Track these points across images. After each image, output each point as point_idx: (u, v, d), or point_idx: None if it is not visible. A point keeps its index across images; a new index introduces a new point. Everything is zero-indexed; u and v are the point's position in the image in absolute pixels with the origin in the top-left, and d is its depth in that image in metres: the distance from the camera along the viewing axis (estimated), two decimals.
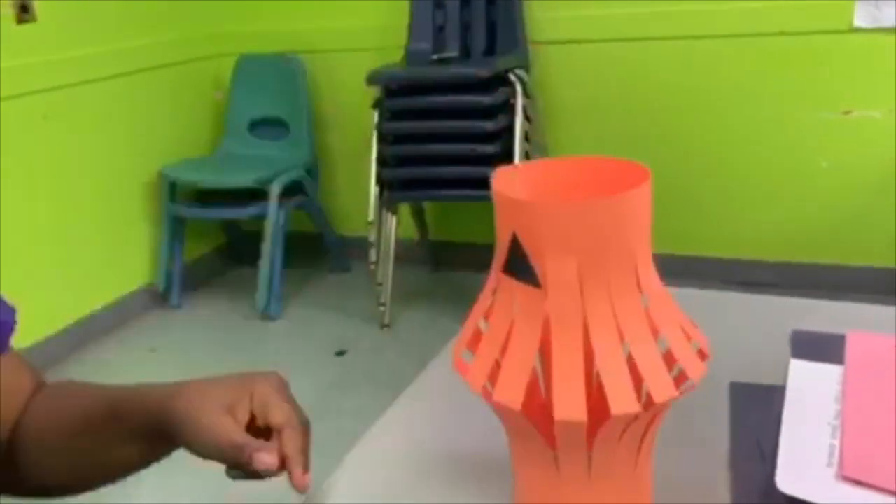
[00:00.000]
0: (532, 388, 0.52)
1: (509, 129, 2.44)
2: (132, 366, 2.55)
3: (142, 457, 0.62)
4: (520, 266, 0.49)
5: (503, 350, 0.50)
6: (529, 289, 0.49)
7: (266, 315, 2.75)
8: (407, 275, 2.89)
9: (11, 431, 0.64)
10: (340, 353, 2.52)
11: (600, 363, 0.48)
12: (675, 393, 0.49)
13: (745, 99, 2.60)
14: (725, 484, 0.59)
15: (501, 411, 0.52)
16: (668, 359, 0.51)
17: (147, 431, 0.59)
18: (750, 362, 0.75)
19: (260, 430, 0.57)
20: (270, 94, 2.97)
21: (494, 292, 0.52)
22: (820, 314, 0.83)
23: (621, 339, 0.48)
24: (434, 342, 0.85)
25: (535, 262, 0.48)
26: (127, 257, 2.83)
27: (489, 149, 2.38)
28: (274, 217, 2.70)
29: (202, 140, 3.11)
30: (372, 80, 2.46)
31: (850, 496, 0.53)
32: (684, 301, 0.84)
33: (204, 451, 0.55)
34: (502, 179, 0.51)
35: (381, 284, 2.63)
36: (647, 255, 0.50)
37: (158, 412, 0.57)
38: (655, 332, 0.50)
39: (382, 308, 2.65)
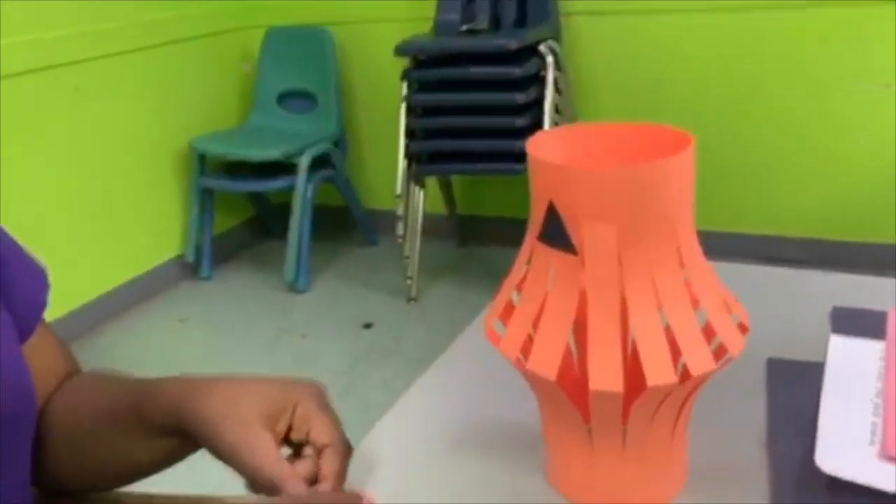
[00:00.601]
0: (566, 362, 0.51)
1: (539, 102, 2.41)
2: (162, 336, 2.58)
3: (165, 455, 0.57)
4: (556, 234, 0.47)
5: (537, 320, 0.49)
6: (566, 257, 0.47)
7: (294, 287, 2.77)
8: (434, 249, 2.88)
9: (39, 419, 0.60)
10: (367, 326, 2.53)
11: (637, 333, 0.46)
12: (714, 366, 0.48)
13: (781, 71, 2.54)
14: (762, 462, 0.57)
15: (535, 382, 0.51)
16: (708, 332, 0.49)
17: (170, 430, 0.54)
18: (789, 338, 0.73)
19: (290, 440, 0.53)
20: (299, 66, 2.96)
21: (528, 262, 0.51)
22: (861, 290, 0.81)
23: (660, 309, 0.47)
24: (461, 317, 0.85)
25: (571, 230, 0.47)
26: (157, 229, 2.85)
27: (519, 121, 2.35)
28: (302, 190, 2.70)
29: (231, 112, 3.11)
30: (400, 51, 2.44)
31: (893, 476, 0.52)
32: (722, 275, 0.82)
33: (231, 464, 0.50)
34: (538, 144, 0.50)
35: (408, 258, 2.63)
36: (688, 224, 0.48)
37: (183, 413, 0.52)
38: (695, 304, 0.49)
39: (409, 282, 2.64)
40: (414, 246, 2.63)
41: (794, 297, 0.81)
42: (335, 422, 0.54)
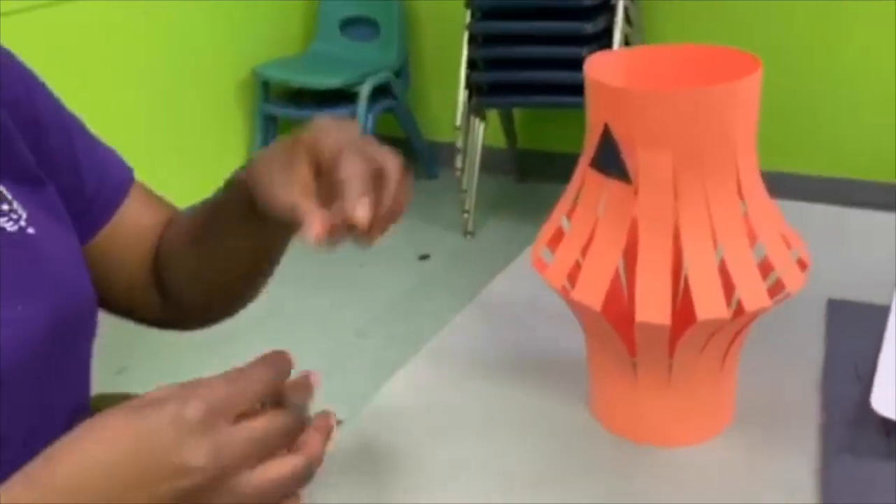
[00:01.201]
0: (614, 292, 0.50)
1: (608, 32, 2.33)
2: None
3: (261, 242, 0.57)
4: (610, 160, 0.46)
5: (586, 248, 0.48)
6: (618, 184, 0.46)
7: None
8: (493, 183, 2.85)
9: (155, 262, 0.64)
10: (423, 258, 2.54)
11: (689, 265, 0.45)
12: (769, 302, 0.46)
13: (864, 6, 2.39)
14: (816, 404, 0.56)
15: (580, 311, 0.50)
16: (765, 267, 0.47)
17: (245, 212, 0.53)
18: (853, 280, 0.70)
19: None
20: None
21: (580, 189, 0.49)
22: None
23: (715, 243, 0.45)
24: (517, 252, 0.83)
25: (626, 156, 0.45)
26: (222, 154, 2.89)
27: (586, 51, 2.27)
28: (362, 119, 2.69)
29: (295, 39, 3.10)
30: None
31: None
32: (786, 213, 0.79)
33: (270, 212, 0.47)
34: (597, 65, 0.48)
35: (465, 192, 2.61)
36: (750, 156, 0.46)
37: (243, 186, 0.51)
38: (753, 239, 0.47)
39: (466, 215, 2.63)
40: (472, 180, 2.61)
41: (862, 238, 0.77)
42: (346, 136, 0.47)
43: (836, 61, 2.51)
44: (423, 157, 3.09)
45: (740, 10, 2.55)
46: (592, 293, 0.47)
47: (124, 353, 2.05)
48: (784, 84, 2.56)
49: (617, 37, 2.32)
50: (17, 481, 0.35)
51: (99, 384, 1.87)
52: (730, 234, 0.45)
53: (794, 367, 0.60)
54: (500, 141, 2.93)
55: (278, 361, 0.39)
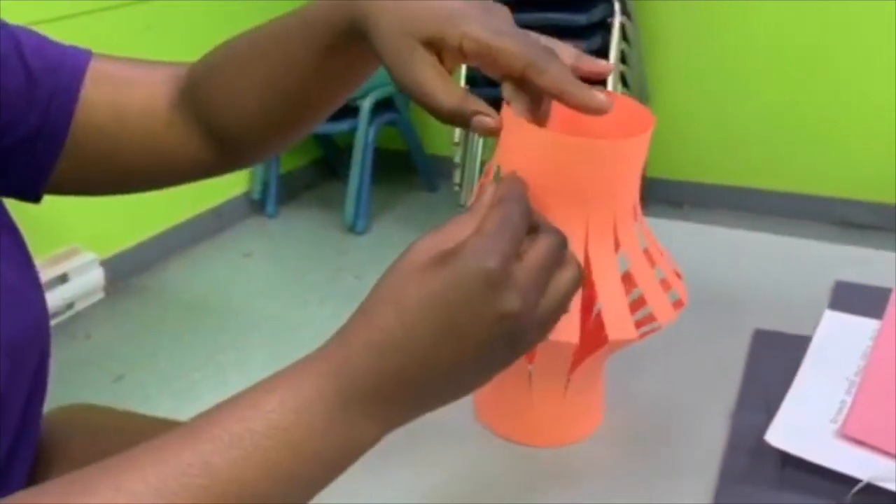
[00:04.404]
0: None
1: (606, 25, 2.34)
2: (228, 268, 2.69)
3: (346, 69, 0.53)
4: None
5: None
6: None
7: (353, 229, 2.82)
8: None
9: (193, 104, 0.57)
10: None
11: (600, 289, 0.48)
12: (635, 335, 0.48)
13: (860, 34, 2.39)
14: (726, 432, 0.58)
15: None
16: (638, 304, 0.50)
17: (338, 39, 0.49)
18: (789, 311, 0.71)
19: None
20: None
21: None
22: (879, 267, 0.78)
23: (589, 277, 0.47)
24: None
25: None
26: None
27: (585, 46, 2.30)
28: (363, 133, 2.72)
29: None
30: None
31: (844, 455, 0.51)
32: (734, 242, 0.82)
33: (402, 87, 0.46)
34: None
35: (463, 206, 2.64)
36: (627, 209, 0.48)
37: (339, 18, 0.48)
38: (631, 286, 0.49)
39: None
40: (470, 194, 2.64)
41: (805, 269, 0.79)
42: (518, 37, 0.43)
43: (833, 85, 2.51)
44: (424, 171, 3.12)
45: (735, 31, 2.56)
46: None
47: (121, 362, 2.09)
48: (785, 107, 2.57)
49: (613, 54, 2.33)
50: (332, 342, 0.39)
51: (96, 391, 1.94)
52: (603, 281, 0.47)
53: (713, 397, 0.61)
54: None
55: (519, 189, 0.41)
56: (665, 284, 0.50)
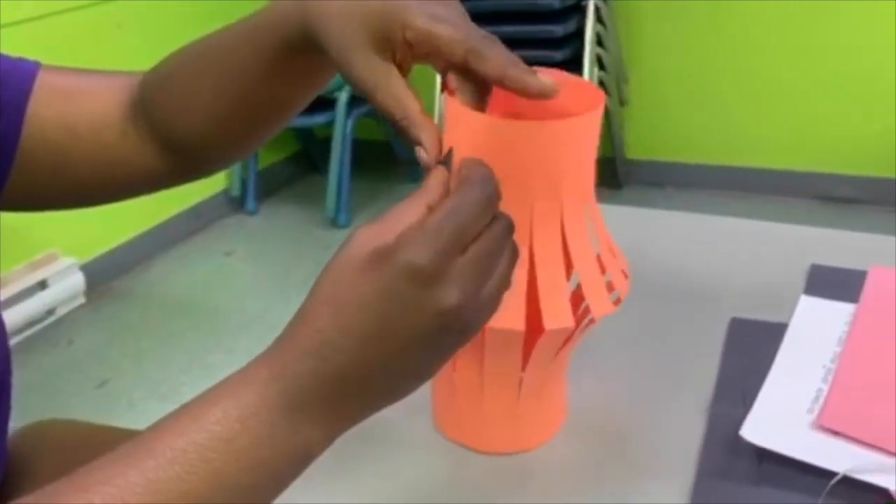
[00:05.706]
0: None
1: (579, 34, 2.33)
2: (210, 268, 2.67)
3: (301, 74, 0.51)
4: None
5: None
6: None
7: (335, 223, 2.81)
8: None
9: (146, 113, 0.56)
10: None
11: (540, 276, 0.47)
12: (571, 322, 0.47)
13: (831, 3, 2.39)
14: (703, 426, 0.57)
15: None
16: (577, 295, 0.49)
17: (290, 45, 0.47)
18: (767, 297, 0.70)
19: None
20: None
21: None
22: (857, 248, 0.77)
23: (532, 265, 0.46)
24: None
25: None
26: None
27: (556, 55, 2.28)
28: (341, 125, 2.70)
29: None
30: None
31: (820, 447, 0.51)
32: (710, 229, 0.80)
33: (355, 92, 0.44)
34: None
35: None
36: (575, 190, 0.46)
37: (289, 20, 0.46)
38: (569, 270, 0.48)
39: None
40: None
41: (781, 253, 0.78)
42: (458, 24, 0.42)
43: (812, 58, 2.50)
44: (405, 162, 3.10)
45: (713, 9, 2.55)
46: None
47: (105, 367, 2.07)
48: (763, 82, 2.56)
49: (588, 37, 2.32)
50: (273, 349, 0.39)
51: (80, 398, 1.92)
52: (546, 261, 0.46)
53: (689, 390, 0.60)
54: None
55: (484, 177, 0.39)
56: (604, 267, 0.49)
